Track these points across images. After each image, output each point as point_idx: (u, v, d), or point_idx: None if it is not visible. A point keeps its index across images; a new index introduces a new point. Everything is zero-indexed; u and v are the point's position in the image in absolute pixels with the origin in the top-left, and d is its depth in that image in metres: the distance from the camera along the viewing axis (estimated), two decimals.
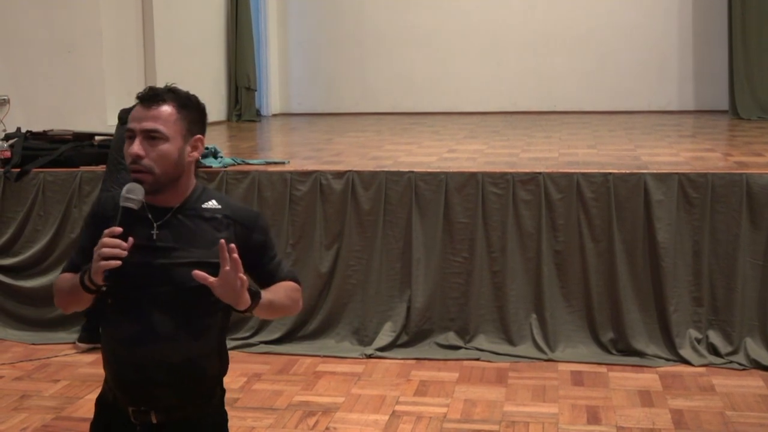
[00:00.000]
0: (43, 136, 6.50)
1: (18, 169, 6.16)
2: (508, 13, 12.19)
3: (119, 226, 2.12)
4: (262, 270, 2.34)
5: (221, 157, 6.18)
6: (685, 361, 5.21)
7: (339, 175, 5.71)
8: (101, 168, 6.13)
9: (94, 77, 8.59)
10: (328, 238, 5.70)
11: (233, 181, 5.82)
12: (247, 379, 5.04)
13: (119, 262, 2.08)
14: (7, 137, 6.62)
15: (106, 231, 2.11)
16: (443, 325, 5.59)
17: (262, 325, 5.71)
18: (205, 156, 6.07)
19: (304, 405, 4.67)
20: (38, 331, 6.00)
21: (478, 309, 5.55)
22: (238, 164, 6.14)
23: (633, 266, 5.41)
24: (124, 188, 2.19)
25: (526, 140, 8.09)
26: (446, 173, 5.61)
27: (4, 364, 5.48)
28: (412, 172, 5.66)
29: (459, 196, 5.56)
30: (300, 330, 5.70)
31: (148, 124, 2.16)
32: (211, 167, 5.93)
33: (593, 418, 4.46)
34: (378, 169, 5.75)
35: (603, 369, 5.17)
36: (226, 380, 2.37)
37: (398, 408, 4.63)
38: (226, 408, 2.40)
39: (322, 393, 4.87)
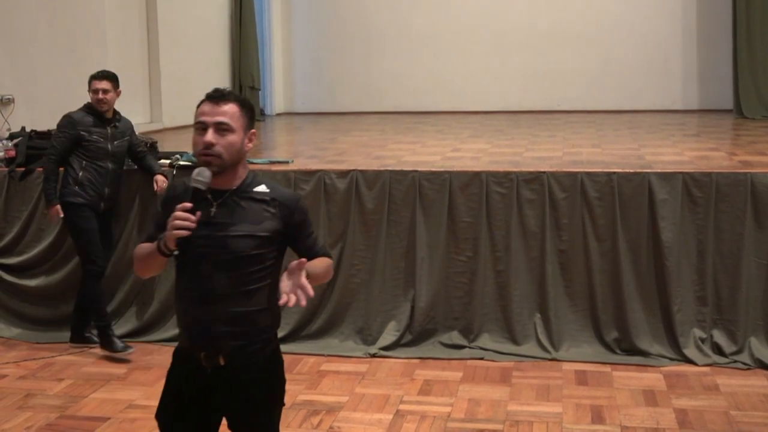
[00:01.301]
0: (47, 135, 6.49)
1: (22, 169, 6.17)
2: (512, 12, 12.18)
3: (190, 202, 2.54)
4: (302, 244, 2.77)
5: None
6: (690, 361, 5.21)
7: (343, 174, 5.71)
8: None
9: None
10: (331, 238, 5.70)
11: None
12: None
13: (189, 232, 2.51)
14: (11, 136, 6.63)
15: (178, 206, 2.53)
16: (447, 324, 5.59)
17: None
18: None
19: (308, 404, 4.67)
20: (42, 330, 6.01)
21: (482, 308, 5.55)
22: None
23: (637, 265, 5.41)
24: (194, 171, 2.58)
25: (530, 139, 8.09)
26: (450, 172, 5.61)
27: (8, 362, 5.49)
28: (416, 171, 5.66)
29: (463, 195, 5.56)
30: (304, 329, 5.71)
31: (220, 118, 2.59)
32: None
33: (597, 417, 4.45)
34: (382, 169, 5.75)
35: (607, 368, 5.17)
36: None
37: (402, 407, 4.63)
38: None
39: (326, 392, 4.87)
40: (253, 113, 2.72)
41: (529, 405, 4.64)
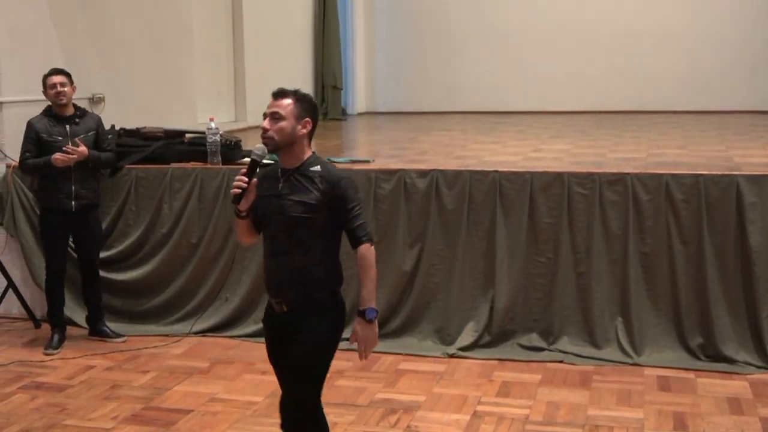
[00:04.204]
0: (135, 133, 6.66)
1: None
2: (595, 12, 12.02)
3: (248, 170, 3.24)
4: (342, 216, 3.25)
5: None
6: None
7: (423, 173, 5.71)
8: (191, 165, 6.27)
9: (185, 76, 8.79)
10: (411, 237, 5.71)
11: None
12: (330, 375, 5.03)
13: (239, 191, 3.21)
14: None
15: (238, 174, 3.23)
16: (526, 326, 5.55)
17: (346, 323, 5.74)
18: None
19: (386, 402, 4.69)
20: (129, 322, 6.17)
21: (563, 310, 5.49)
22: None
23: (723, 270, 5.27)
24: (254, 147, 3.26)
25: (614, 140, 7.97)
26: (531, 173, 5.57)
27: (96, 354, 5.65)
28: (497, 171, 5.63)
29: (544, 196, 5.51)
30: (382, 328, 5.70)
31: (273, 109, 3.23)
32: None
33: (680, 424, 4.36)
34: (462, 168, 5.74)
35: (690, 375, 5.05)
36: None
37: (480, 408, 4.61)
38: None
39: (404, 391, 4.88)
40: (309, 105, 3.28)
41: (609, 410, 4.57)
